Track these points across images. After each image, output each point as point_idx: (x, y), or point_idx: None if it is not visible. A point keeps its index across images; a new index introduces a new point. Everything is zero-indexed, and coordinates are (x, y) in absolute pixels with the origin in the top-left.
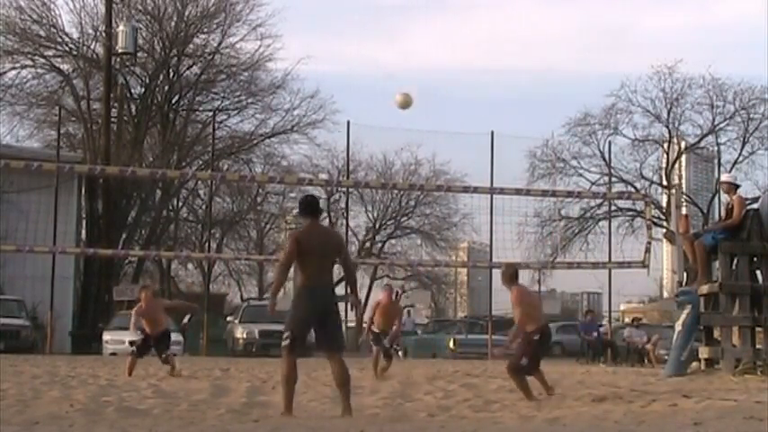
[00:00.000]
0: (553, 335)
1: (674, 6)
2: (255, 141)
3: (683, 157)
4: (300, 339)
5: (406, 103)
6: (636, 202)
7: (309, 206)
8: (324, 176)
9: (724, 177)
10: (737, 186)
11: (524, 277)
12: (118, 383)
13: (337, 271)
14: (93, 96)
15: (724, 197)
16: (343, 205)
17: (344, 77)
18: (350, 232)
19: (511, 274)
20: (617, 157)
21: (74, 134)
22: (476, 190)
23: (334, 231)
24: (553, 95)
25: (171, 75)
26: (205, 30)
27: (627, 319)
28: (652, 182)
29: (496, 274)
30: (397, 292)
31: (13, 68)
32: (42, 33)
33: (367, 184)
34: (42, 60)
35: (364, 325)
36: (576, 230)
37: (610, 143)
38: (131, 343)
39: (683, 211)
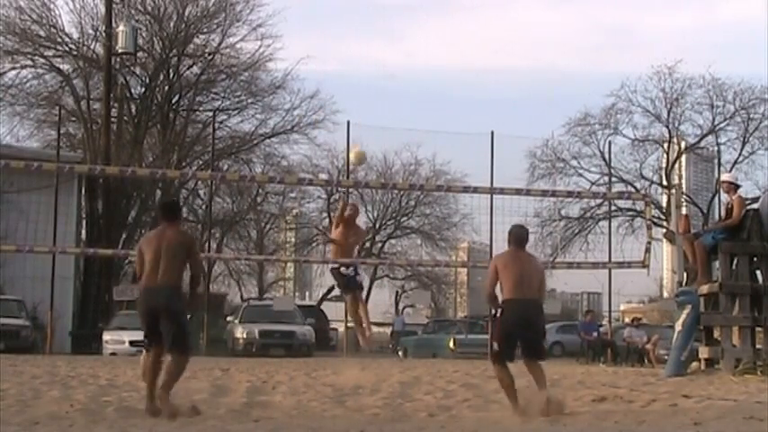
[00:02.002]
0: (553, 335)
1: (675, 6)
2: (255, 141)
3: (683, 157)
4: (150, 336)
5: (358, 159)
6: (636, 202)
7: (162, 209)
8: (324, 176)
9: (724, 177)
10: (738, 186)
11: None
12: (118, 383)
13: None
14: (93, 96)
15: (724, 197)
16: None
17: (344, 77)
18: None
19: (520, 236)
20: (617, 157)
21: (74, 134)
22: (476, 190)
23: (182, 234)
24: (553, 95)
25: (171, 75)
26: (205, 30)
27: (627, 319)
28: (652, 182)
29: None
30: (355, 206)
31: (13, 68)
32: (42, 33)
33: (367, 184)
34: (42, 60)
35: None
36: (576, 230)
37: (610, 143)
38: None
39: (683, 211)
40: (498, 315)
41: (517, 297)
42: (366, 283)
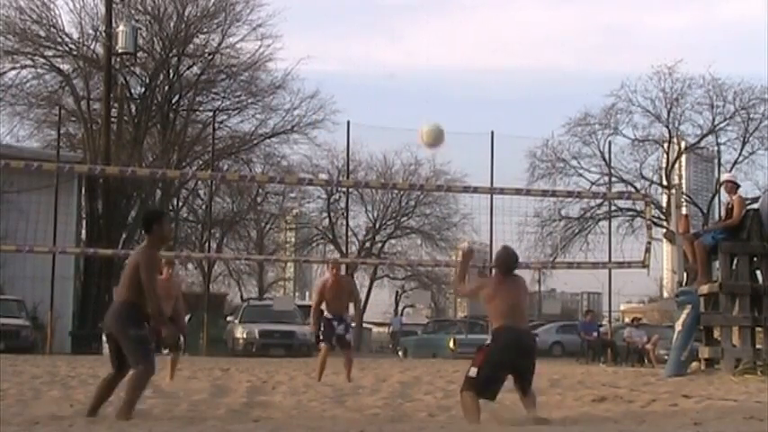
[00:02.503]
0: (553, 335)
1: (675, 6)
2: (255, 141)
3: (683, 157)
4: (111, 359)
5: (434, 139)
6: (636, 202)
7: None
8: (324, 176)
9: (726, 176)
10: (738, 186)
11: (524, 277)
12: None
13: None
14: (93, 96)
15: (724, 197)
16: (343, 205)
17: (344, 77)
18: (350, 232)
19: (508, 262)
20: (617, 157)
21: (74, 134)
22: (476, 190)
23: (140, 250)
24: (553, 95)
25: (171, 75)
26: (205, 30)
27: (627, 319)
28: (652, 182)
29: None
30: (346, 266)
31: (13, 68)
32: (42, 33)
33: (367, 184)
34: (42, 60)
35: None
36: (576, 230)
37: (610, 143)
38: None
39: (683, 211)
40: (487, 344)
41: (509, 325)
42: (366, 283)
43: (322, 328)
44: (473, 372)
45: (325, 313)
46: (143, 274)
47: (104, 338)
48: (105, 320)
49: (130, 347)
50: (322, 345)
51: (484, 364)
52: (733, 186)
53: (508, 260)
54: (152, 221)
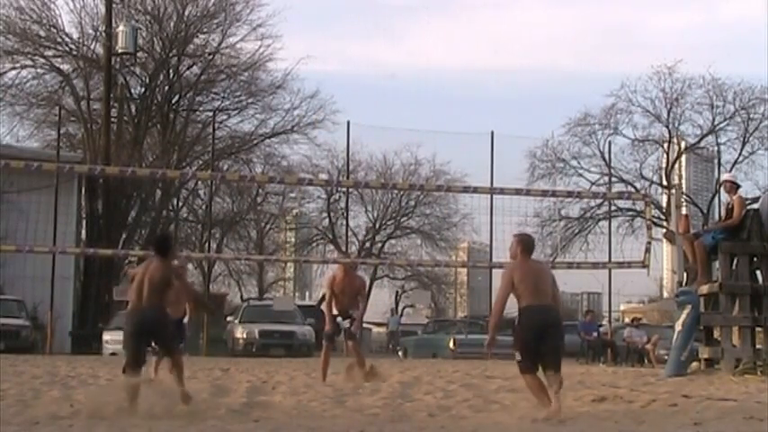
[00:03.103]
0: None
1: (675, 6)
2: (255, 141)
3: (683, 157)
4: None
5: None
6: (636, 202)
7: (154, 246)
8: (324, 176)
9: (726, 176)
10: (738, 186)
11: None
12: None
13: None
14: (93, 96)
15: (724, 197)
16: (343, 205)
17: (344, 77)
18: (350, 232)
19: (531, 244)
20: (617, 157)
21: (74, 134)
22: (476, 190)
23: (167, 267)
24: (553, 95)
25: (171, 75)
26: (205, 30)
27: (627, 319)
28: (652, 182)
29: (496, 274)
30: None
31: (13, 68)
32: (42, 33)
33: (367, 184)
34: (42, 60)
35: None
36: (576, 230)
37: (610, 143)
38: None
39: (683, 211)
40: (516, 323)
41: (533, 303)
42: (366, 284)
43: (328, 328)
44: (517, 356)
45: (333, 310)
46: (183, 281)
47: (132, 337)
48: (146, 320)
49: (168, 341)
50: (324, 345)
51: (521, 346)
52: (733, 186)
53: (531, 242)
54: (169, 245)
